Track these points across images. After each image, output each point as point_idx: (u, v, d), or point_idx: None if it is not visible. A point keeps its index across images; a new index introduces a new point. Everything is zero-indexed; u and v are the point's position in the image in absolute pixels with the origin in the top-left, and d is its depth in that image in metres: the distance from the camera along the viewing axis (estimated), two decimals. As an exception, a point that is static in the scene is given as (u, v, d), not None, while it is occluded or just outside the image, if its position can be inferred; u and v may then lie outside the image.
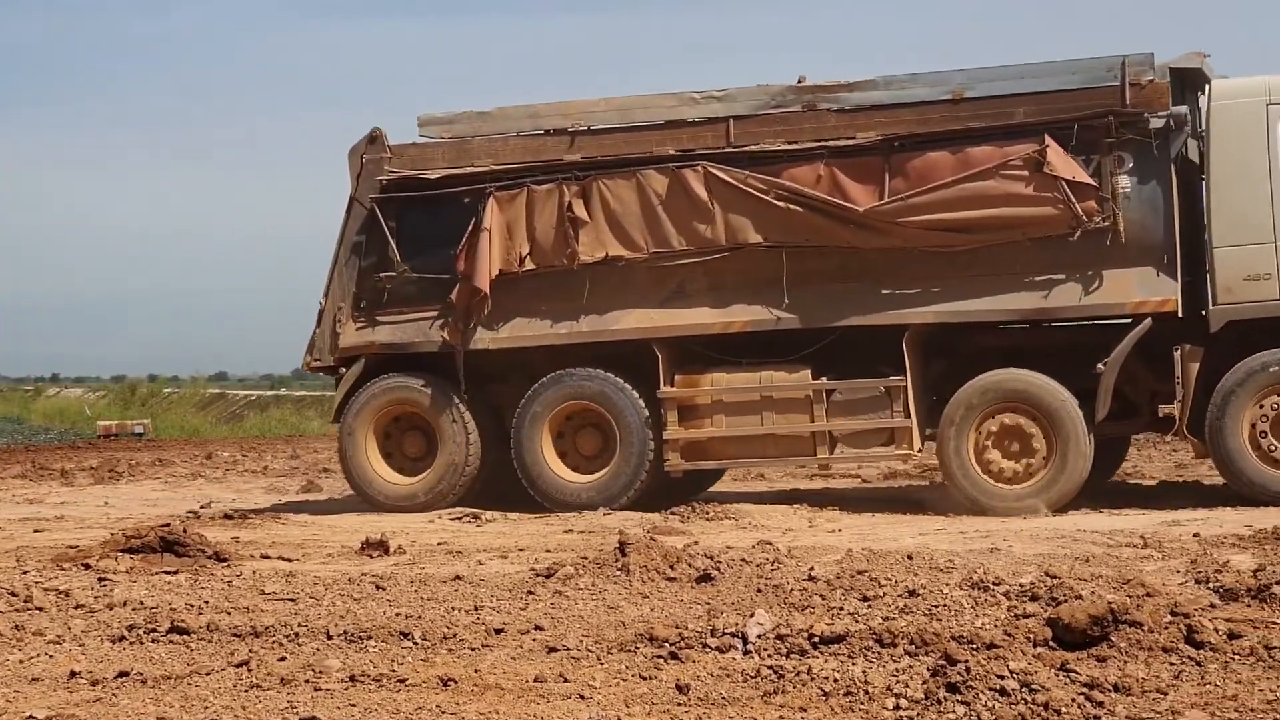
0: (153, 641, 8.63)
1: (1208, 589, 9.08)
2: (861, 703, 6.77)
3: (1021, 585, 8.76)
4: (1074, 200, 14.97)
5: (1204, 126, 15.16)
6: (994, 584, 8.88)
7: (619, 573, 10.00)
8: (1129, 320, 15.14)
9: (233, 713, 7.02)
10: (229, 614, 9.30)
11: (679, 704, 6.92)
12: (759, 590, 9.39)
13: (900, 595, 8.74)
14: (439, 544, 13.27)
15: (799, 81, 16.13)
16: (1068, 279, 15.18)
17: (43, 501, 19.91)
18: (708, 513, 14.94)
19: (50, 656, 8.37)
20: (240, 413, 60.42)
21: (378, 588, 10.19)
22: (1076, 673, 6.97)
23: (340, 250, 17.06)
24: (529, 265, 16.43)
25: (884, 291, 15.65)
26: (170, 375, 74.40)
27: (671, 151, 16.18)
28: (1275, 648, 7.30)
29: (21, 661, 8.26)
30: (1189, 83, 15.52)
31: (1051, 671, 6.99)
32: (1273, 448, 14.79)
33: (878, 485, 19.54)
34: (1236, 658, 7.22)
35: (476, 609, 9.22)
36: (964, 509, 15.21)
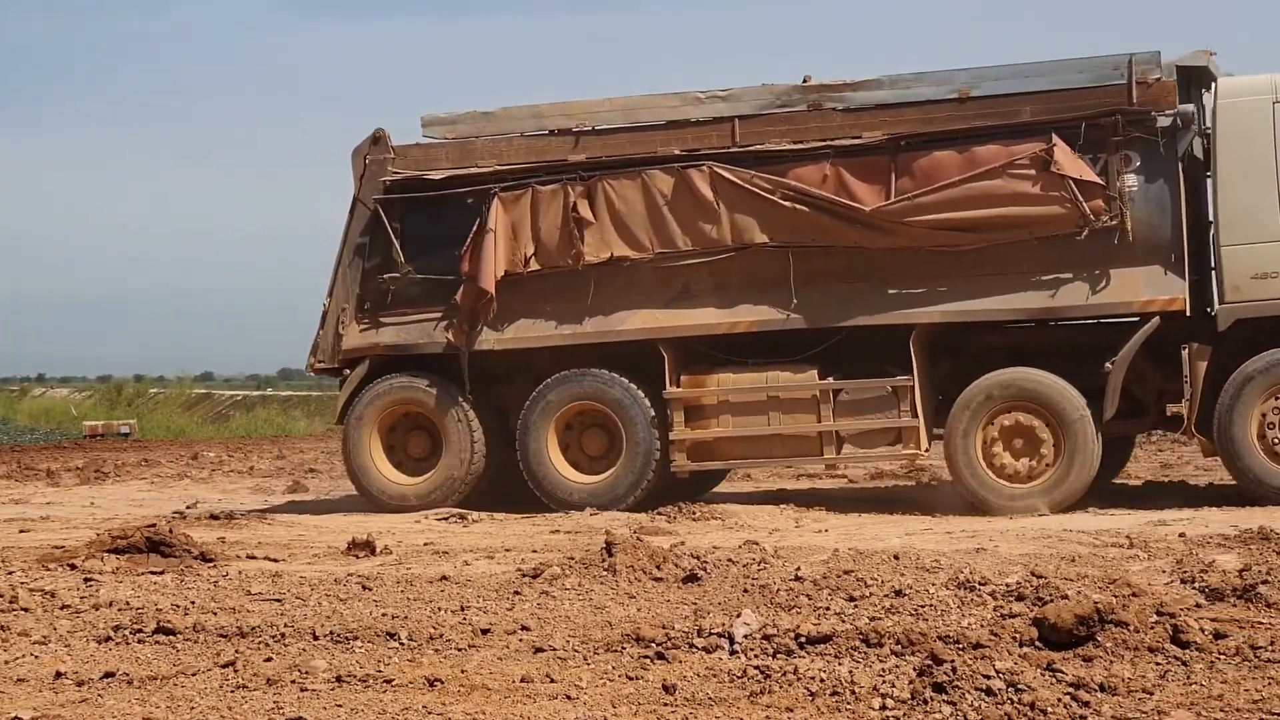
0: (139, 642, 8.63)
1: (1193, 589, 9.10)
2: (848, 703, 6.78)
3: (1008, 585, 8.78)
4: (1081, 199, 14.98)
5: (1210, 125, 15.13)
6: (980, 584, 8.90)
7: (606, 573, 10.01)
8: (1136, 319, 15.15)
9: (219, 713, 7.02)
10: (215, 614, 9.30)
11: (665, 704, 6.92)
12: (745, 590, 9.40)
13: (887, 595, 8.75)
14: (425, 544, 13.26)
15: (804, 81, 16.15)
16: (1075, 278, 15.19)
17: (28, 502, 19.88)
18: (694, 513, 14.96)
19: (36, 657, 8.38)
20: (226, 413, 60.34)
21: (364, 588, 10.19)
22: (1062, 672, 6.98)
23: (344, 251, 17.08)
24: (534, 266, 16.44)
25: (890, 291, 15.66)
26: (157, 375, 74.17)
27: (676, 151, 16.20)
28: (1261, 647, 7.32)
29: (7, 662, 8.27)
30: (1195, 81, 15.52)
31: (1037, 671, 7.00)
32: (1281, 445, 14.77)
33: (864, 485, 19.55)
34: (1222, 657, 7.23)
35: (463, 609, 9.22)
36: (965, 508, 15.25)
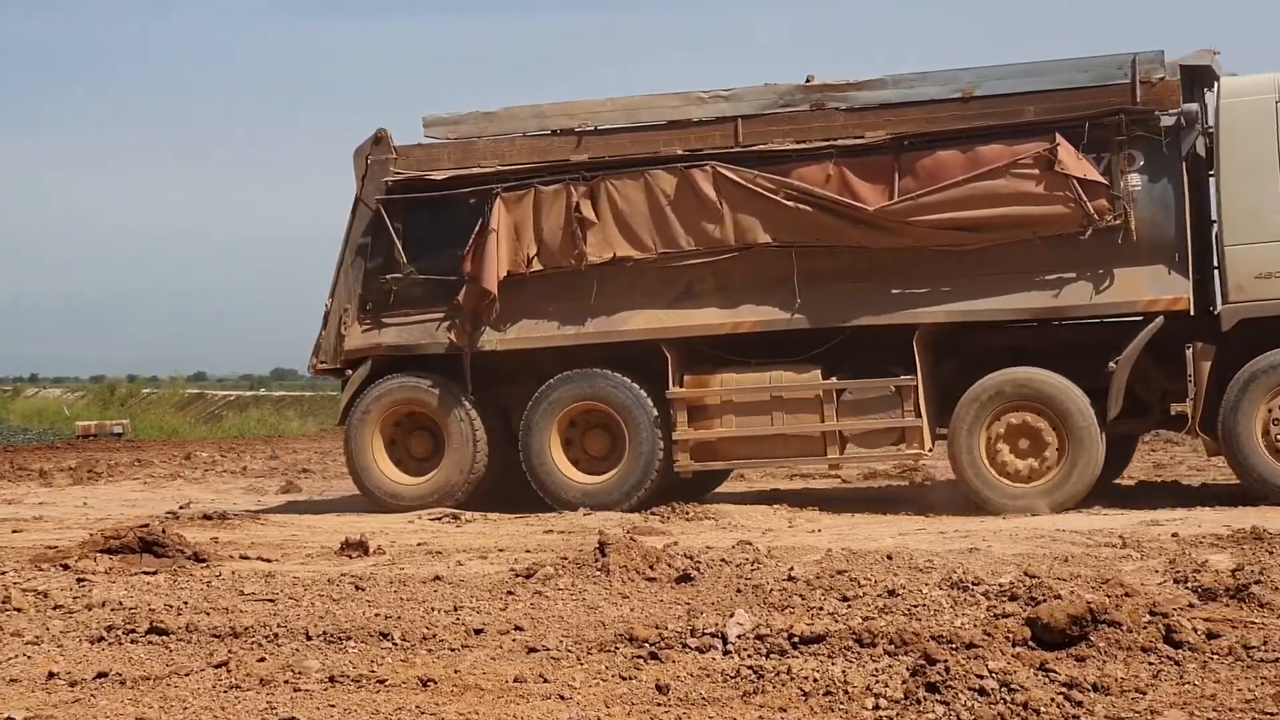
0: (131, 642, 8.63)
1: (1186, 589, 9.11)
2: (841, 702, 6.78)
3: (1001, 585, 8.78)
4: (1085, 199, 14.97)
5: (1213, 124, 15.12)
6: (973, 584, 8.90)
7: (599, 573, 10.01)
8: (1140, 319, 15.15)
9: (212, 713, 7.02)
10: (208, 615, 9.30)
11: (659, 704, 6.93)
12: (739, 590, 9.40)
13: (880, 595, 8.76)
14: (418, 544, 13.26)
15: (807, 81, 16.14)
16: (1079, 278, 15.18)
17: (21, 502, 19.86)
18: (687, 513, 14.97)
19: (29, 657, 8.38)
20: (219, 413, 60.25)
21: (357, 588, 10.19)
22: (1055, 672, 6.99)
23: (345, 252, 17.09)
24: (536, 266, 16.45)
25: (894, 291, 15.66)
26: (150, 375, 74.09)
27: (679, 151, 16.20)
28: (1253, 647, 7.33)
29: (0, 662, 8.24)
30: (1198, 80, 15.51)
31: (1030, 671, 7.01)
32: (1286, 445, 14.77)
33: (857, 485, 19.56)
34: (1215, 657, 7.24)
35: (456, 609, 9.22)
36: (958, 508, 15.26)
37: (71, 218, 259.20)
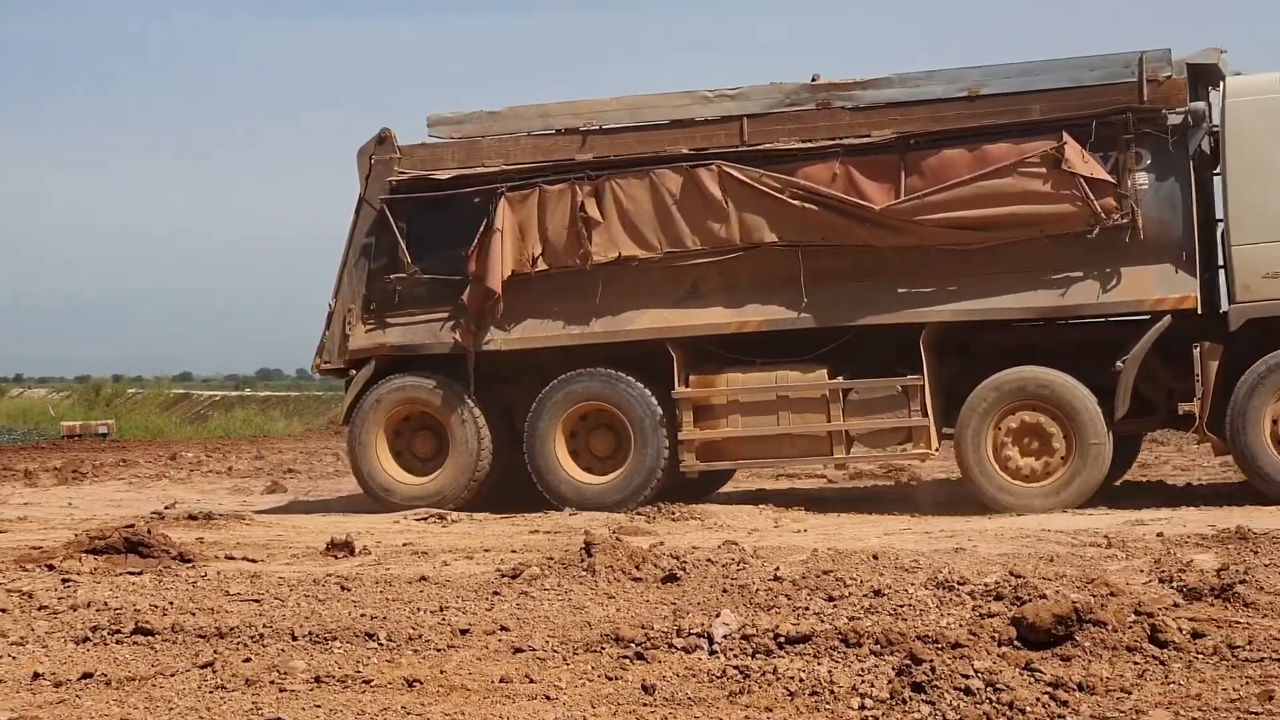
0: (117, 643, 8.64)
1: (1171, 588, 9.12)
2: (827, 702, 6.79)
3: (986, 585, 8.79)
4: (1092, 197, 14.95)
5: (1219, 123, 15.10)
6: (959, 584, 8.91)
7: (585, 573, 10.02)
8: (1147, 317, 15.14)
9: (197, 714, 7.02)
10: (194, 615, 9.31)
11: (645, 704, 6.93)
12: (725, 590, 9.41)
13: (865, 595, 8.77)
14: (404, 545, 13.26)
15: (813, 80, 16.11)
16: (1086, 276, 15.16)
17: (6, 502, 19.82)
18: (673, 513, 14.98)
19: (13, 658, 8.39)
20: (204, 413, 60.22)
21: (343, 589, 10.19)
22: (1041, 672, 7.00)
23: (349, 252, 17.07)
24: (541, 266, 16.43)
25: (900, 290, 15.64)
26: (135, 375, 74.03)
27: (685, 150, 16.18)
28: (1238, 647, 7.35)
29: (-15, 663, 8.23)
30: (1204, 79, 15.47)
31: (1016, 671, 7.02)
32: (1294, 444, 14.78)
33: (843, 485, 19.56)
34: (1200, 657, 7.26)
35: (442, 610, 9.23)
36: (944, 508, 15.27)
37: (71, 218, 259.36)
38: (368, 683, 7.46)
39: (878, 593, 8.79)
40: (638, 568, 10.10)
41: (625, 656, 7.75)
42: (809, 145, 15.86)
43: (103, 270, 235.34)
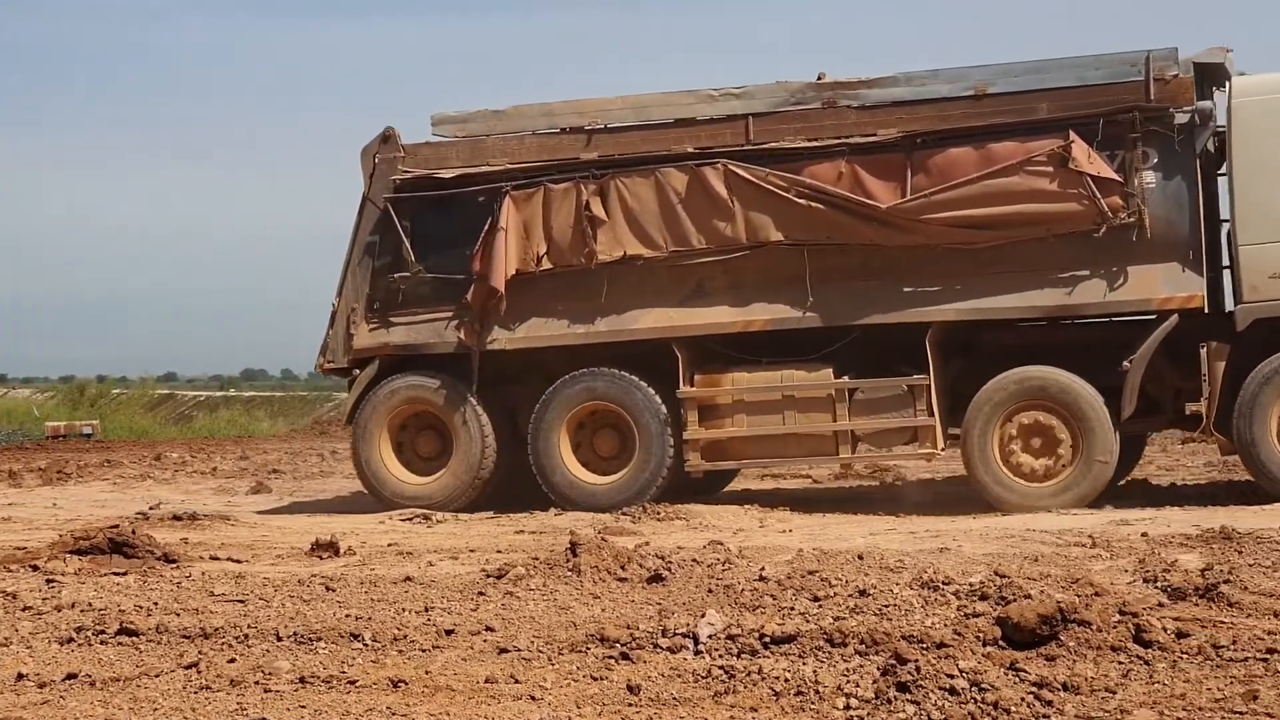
0: (101, 643, 8.63)
1: (1156, 588, 9.12)
2: (812, 702, 6.79)
3: (971, 585, 8.80)
4: (1099, 196, 14.95)
5: (1225, 123, 15.08)
6: (944, 583, 8.91)
7: (570, 573, 10.02)
8: (1153, 317, 15.13)
9: (182, 714, 7.03)
10: (178, 615, 9.30)
11: (630, 704, 6.94)
12: (710, 590, 9.41)
13: (851, 595, 8.77)
14: (389, 545, 13.26)
15: (819, 78, 16.11)
16: (1092, 275, 15.16)
17: (-10, 503, 19.76)
18: (659, 513, 14.97)
19: (-2, 659, 8.32)
20: (189, 413, 60.18)
21: (328, 589, 10.19)
22: (1026, 672, 7.01)
23: (353, 251, 17.05)
24: (546, 265, 16.42)
25: (906, 289, 15.63)
26: (119, 375, 73.94)
27: (690, 149, 16.16)
28: (1223, 646, 7.36)
29: (-31, 664, 8.21)
30: (1210, 78, 15.45)
31: (1001, 670, 7.02)
32: (1303, 445, 14.78)
33: (828, 485, 19.57)
34: (1184, 657, 7.27)
35: (427, 610, 9.23)
36: (928, 508, 15.27)
37: (71, 218, 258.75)
38: (353, 683, 7.46)
39: (863, 593, 8.79)
40: (623, 568, 10.10)
41: (610, 657, 7.75)
42: (815, 144, 15.86)
43: (102, 270, 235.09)
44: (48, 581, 10.95)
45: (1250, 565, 10.11)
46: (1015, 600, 8.08)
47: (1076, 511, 14.67)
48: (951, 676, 6.81)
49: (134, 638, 8.66)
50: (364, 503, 17.52)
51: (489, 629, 8.55)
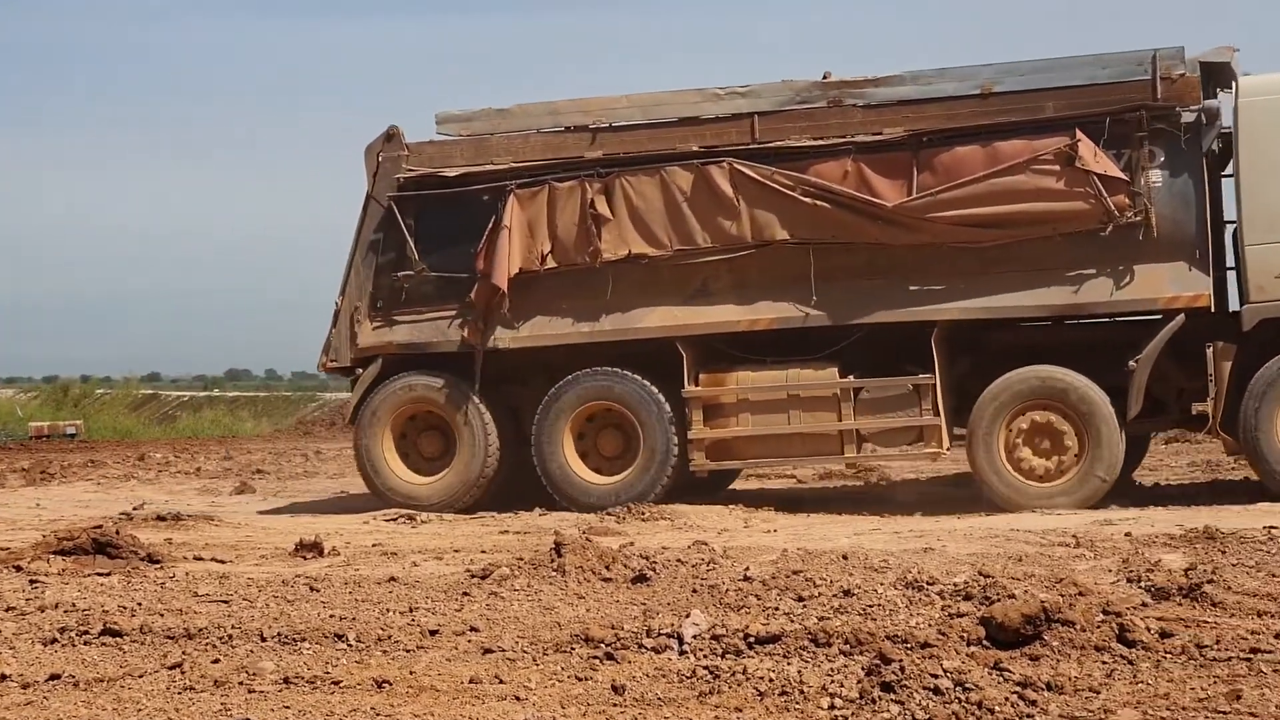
0: (85, 644, 8.63)
1: (1139, 588, 9.14)
2: (797, 702, 6.80)
3: (955, 585, 8.81)
4: (1105, 195, 14.93)
5: (1231, 123, 15.05)
6: (928, 583, 8.92)
7: (554, 574, 10.02)
8: (1159, 316, 15.13)
9: (166, 715, 7.03)
10: (162, 616, 9.29)
11: (615, 704, 6.94)
12: (694, 591, 9.41)
13: (835, 595, 8.78)
14: (374, 545, 13.25)
15: (824, 77, 16.08)
16: (1099, 274, 15.13)
17: (-28, 504, 19.72)
18: (643, 513, 14.96)
19: (-19, 659, 8.30)
20: (173, 414, 60.09)
21: (312, 589, 10.19)
22: (1010, 672, 7.01)
23: (356, 249, 17.04)
24: (550, 263, 16.40)
25: (912, 288, 15.61)
26: (103, 376, 73.81)
27: (695, 148, 16.15)
28: (1206, 646, 7.38)
29: (-48, 665, 8.19)
30: (1215, 78, 15.42)
31: (985, 670, 7.03)
32: (1309, 445, 14.77)
33: (813, 485, 19.57)
34: (1168, 656, 7.28)
35: (411, 610, 9.23)
36: (912, 508, 15.27)
37: (71, 218, 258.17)
38: (337, 684, 7.46)
39: (847, 593, 8.80)
40: (608, 568, 10.10)
41: (595, 657, 7.76)
42: (821, 143, 15.84)
43: (102, 270, 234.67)
44: (31, 582, 10.94)
45: (1234, 565, 10.12)
46: (999, 600, 8.09)
47: (1061, 511, 14.68)
48: (936, 676, 6.82)
49: (118, 638, 8.66)
50: (348, 503, 17.54)
51: (473, 629, 8.56)
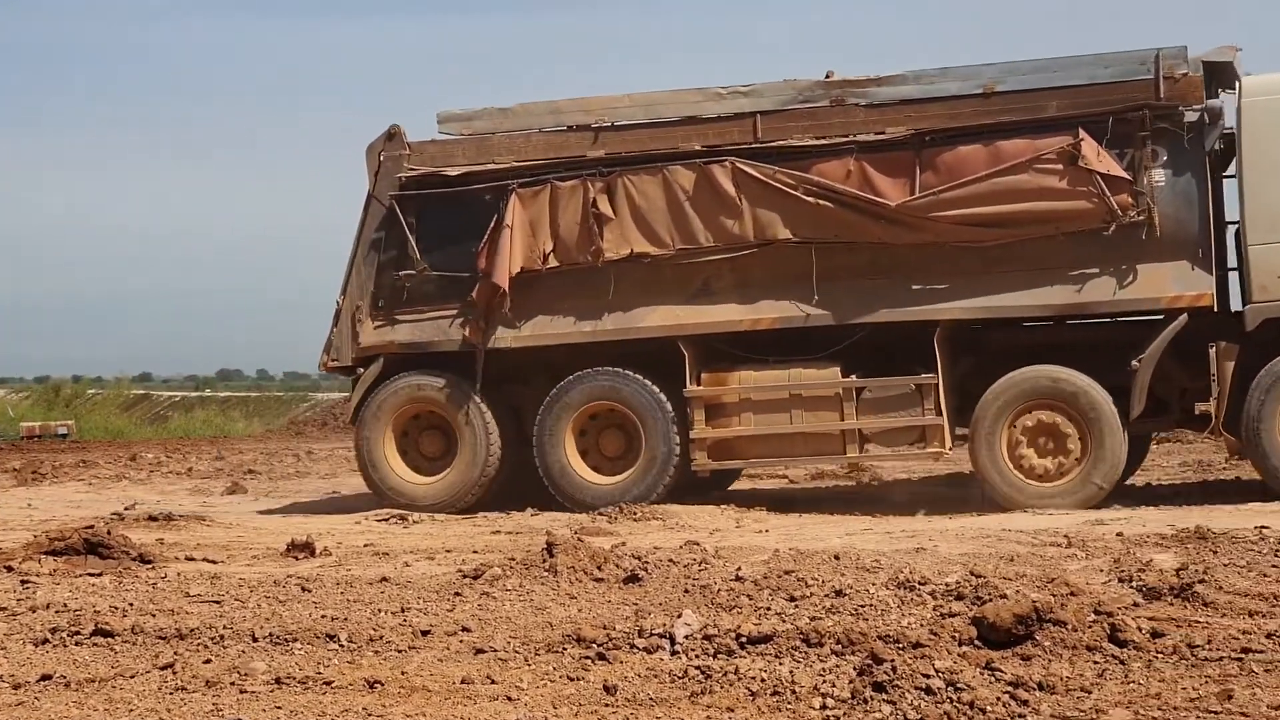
0: (76, 644, 8.62)
1: (1131, 588, 9.15)
2: (788, 702, 6.80)
3: (947, 585, 8.81)
4: (1108, 194, 14.92)
5: (1235, 123, 15.04)
6: (920, 583, 8.93)
7: (546, 574, 10.02)
8: (1161, 316, 15.12)
9: (157, 715, 7.02)
10: (154, 616, 9.29)
11: (606, 704, 6.94)
12: (686, 591, 9.42)
13: (827, 595, 8.78)
14: (365, 546, 13.25)
15: (827, 76, 16.09)
16: (1102, 274, 15.13)
17: (-35, 504, 19.69)
18: (635, 513, 14.96)
19: (-28, 660, 8.29)
20: (164, 414, 60.08)
21: (304, 590, 10.18)
22: (1001, 671, 7.02)
23: (358, 248, 17.03)
24: (552, 263, 16.40)
25: (914, 287, 15.61)
26: (95, 376, 73.76)
27: (698, 147, 16.15)
28: (1197, 646, 7.38)
29: (-57, 665, 8.18)
30: (1218, 77, 15.41)
31: (977, 670, 7.03)
32: (1313, 446, 14.76)
33: (804, 485, 19.58)
34: (1159, 656, 7.29)
35: (403, 611, 9.22)
36: (904, 509, 15.28)
37: (71, 218, 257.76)
38: (329, 684, 7.45)
39: (839, 593, 8.80)
40: (599, 568, 10.10)
41: (587, 657, 7.76)
42: (823, 142, 15.84)
43: (102, 270, 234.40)
44: (22, 582, 10.94)
45: (1225, 565, 10.13)
46: (991, 600, 8.10)
47: (1053, 511, 14.70)
48: (927, 676, 6.81)
49: (109, 638, 8.65)
50: (340, 503, 17.54)
51: (465, 629, 8.56)
